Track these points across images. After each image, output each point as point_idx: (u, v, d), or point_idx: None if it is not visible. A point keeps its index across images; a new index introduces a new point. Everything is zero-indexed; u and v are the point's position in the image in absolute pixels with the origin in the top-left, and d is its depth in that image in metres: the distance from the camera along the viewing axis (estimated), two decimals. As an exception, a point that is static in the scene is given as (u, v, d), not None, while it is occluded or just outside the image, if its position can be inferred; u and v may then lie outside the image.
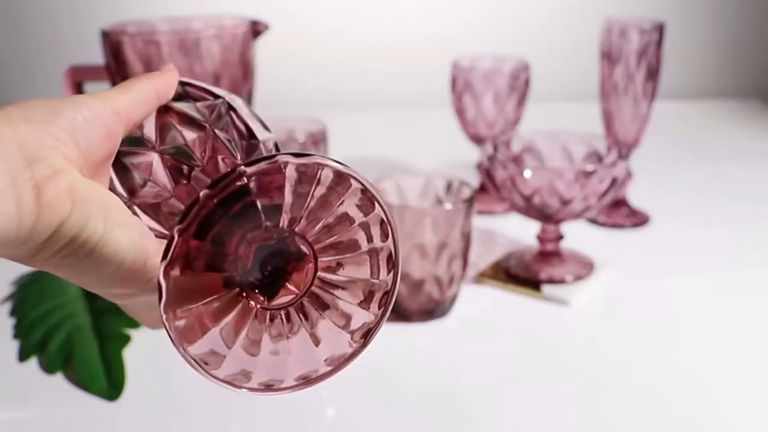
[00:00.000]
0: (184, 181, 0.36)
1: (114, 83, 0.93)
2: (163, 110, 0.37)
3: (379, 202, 0.32)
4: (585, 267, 0.81)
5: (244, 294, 0.31)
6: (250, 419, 0.60)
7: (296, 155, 0.29)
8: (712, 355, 0.67)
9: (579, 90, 1.48)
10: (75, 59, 1.08)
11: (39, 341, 0.69)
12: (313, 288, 0.32)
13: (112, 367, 0.65)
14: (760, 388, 0.62)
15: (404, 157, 1.21)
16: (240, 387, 0.31)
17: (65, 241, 0.29)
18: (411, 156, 1.21)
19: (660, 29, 0.88)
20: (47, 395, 0.63)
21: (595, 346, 0.69)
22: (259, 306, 0.31)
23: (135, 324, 0.70)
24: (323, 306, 0.32)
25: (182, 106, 0.37)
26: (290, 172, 0.30)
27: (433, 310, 0.73)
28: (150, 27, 0.98)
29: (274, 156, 0.29)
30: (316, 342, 0.32)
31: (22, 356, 0.68)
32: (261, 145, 0.38)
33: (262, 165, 0.29)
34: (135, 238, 0.31)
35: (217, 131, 0.36)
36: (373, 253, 0.32)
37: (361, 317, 0.33)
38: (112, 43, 0.91)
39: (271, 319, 0.32)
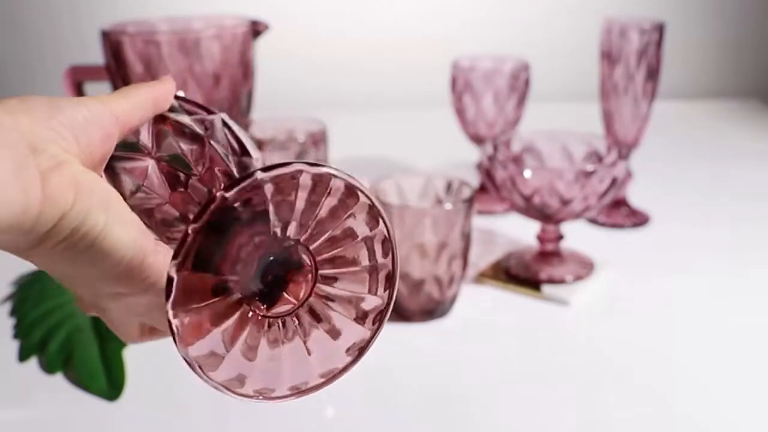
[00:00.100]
0: (181, 189, 0.36)
1: (114, 83, 0.93)
2: (159, 119, 0.37)
3: (384, 220, 0.32)
4: (585, 267, 0.81)
5: (245, 301, 0.31)
6: (249, 419, 0.60)
7: (310, 164, 0.30)
8: (712, 355, 0.67)
9: (579, 90, 1.48)
10: (75, 59, 1.08)
11: (39, 341, 0.69)
12: (310, 299, 0.32)
13: (112, 367, 0.65)
14: (760, 388, 0.62)
15: (404, 157, 1.21)
16: (234, 392, 0.31)
17: (67, 232, 0.29)
18: (411, 156, 1.21)
19: (660, 29, 0.88)
20: (47, 395, 0.63)
21: (595, 346, 0.69)
22: (258, 314, 0.31)
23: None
24: (319, 318, 0.33)
25: (178, 117, 0.37)
26: (304, 180, 0.30)
27: (433, 310, 0.73)
28: (150, 27, 0.98)
29: (290, 163, 0.29)
30: (311, 353, 0.32)
31: (22, 356, 0.68)
32: (255, 162, 0.38)
33: (279, 170, 0.29)
34: (134, 235, 0.31)
35: (213, 143, 0.37)
36: (374, 269, 0.33)
37: (355, 332, 0.33)
38: (112, 43, 0.91)
39: (269, 326, 0.32)
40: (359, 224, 0.32)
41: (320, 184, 0.30)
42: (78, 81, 0.95)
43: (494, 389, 0.63)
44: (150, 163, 0.37)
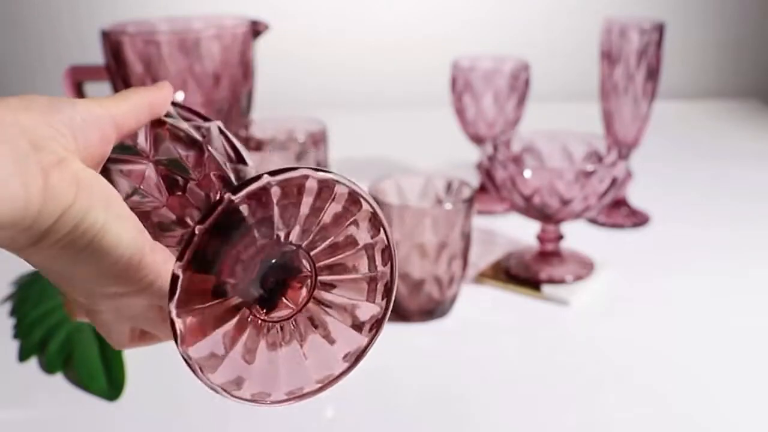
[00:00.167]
0: (179, 193, 0.37)
1: (114, 83, 0.93)
2: (156, 124, 0.37)
3: (385, 229, 0.32)
4: (585, 267, 0.81)
5: (245, 304, 0.31)
6: (249, 419, 0.60)
7: (316, 170, 0.30)
8: (712, 355, 0.67)
9: (579, 90, 1.48)
10: (75, 59, 1.08)
11: (39, 341, 0.69)
12: (309, 305, 0.33)
13: (112, 367, 0.65)
14: (760, 388, 0.62)
15: (404, 157, 1.21)
16: (232, 395, 0.31)
17: (67, 229, 0.29)
18: (411, 156, 1.21)
19: (660, 29, 0.88)
20: (47, 395, 0.63)
21: (595, 346, 0.69)
22: (257, 317, 0.32)
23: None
24: (317, 324, 0.33)
25: (175, 122, 0.37)
26: (310, 186, 0.30)
27: (433, 310, 0.73)
28: (150, 27, 0.98)
29: (298, 168, 0.30)
30: (308, 358, 0.33)
31: (22, 356, 0.68)
32: (250, 170, 0.38)
33: (287, 174, 0.29)
34: (133, 234, 0.31)
35: (210, 149, 0.37)
36: (373, 278, 0.33)
37: (352, 339, 0.33)
38: (112, 43, 0.91)
39: (268, 331, 0.32)
40: (361, 232, 0.32)
41: (325, 190, 0.31)
42: (78, 81, 0.95)
43: (494, 389, 0.63)
44: (147, 167, 0.37)
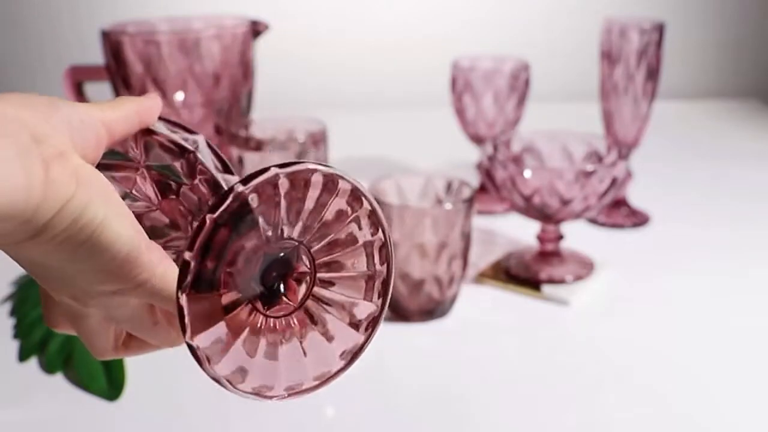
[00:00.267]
0: (172, 196, 0.37)
1: (114, 83, 0.93)
2: (145, 134, 0.37)
3: (383, 227, 0.33)
4: (585, 267, 0.81)
5: (246, 299, 0.31)
6: (249, 419, 0.60)
7: (321, 165, 0.30)
8: (712, 355, 0.67)
9: (579, 90, 1.48)
10: (75, 59, 1.08)
11: (39, 341, 0.69)
12: (308, 302, 0.33)
13: (112, 367, 0.65)
14: (760, 388, 0.62)
15: (404, 157, 1.21)
16: (235, 387, 0.31)
17: (66, 223, 0.29)
18: (411, 156, 1.22)
19: (660, 29, 0.88)
20: (47, 395, 0.63)
21: (595, 346, 0.69)
22: (259, 313, 0.32)
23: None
24: (315, 321, 0.33)
25: (164, 132, 0.38)
26: (315, 181, 0.30)
27: (433, 310, 0.73)
28: (150, 27, 0.98)
29: (304, 162, 0.30)
30: (306, 355, 0.33)
31: (22, 356, 0.68)
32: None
33: (295, 167, 0.30)
34: (131, 231, 0.31)
35: (200, 157, 0.37)
36: (371, 276, 0.33)
37: (349, 336, 0.34)
38: (112, 43, 0.91)
39: (268, 325, 0.32)
40: (360, 230, 0.32)
41: (330, 185, 0.31)
42: (78, 81, 0.95)
43: (494, 389, 0.63)
44: (138, 171, 0.37)
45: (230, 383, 0.31)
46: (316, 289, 0.33)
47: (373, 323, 0.34)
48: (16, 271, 0.82)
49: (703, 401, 0.61)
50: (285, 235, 0.31)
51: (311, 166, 0.30)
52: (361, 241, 0.33)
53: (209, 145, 0.39)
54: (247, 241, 0.30)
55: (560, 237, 0.80)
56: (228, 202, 0.29)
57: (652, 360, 0.67)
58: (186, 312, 0.29)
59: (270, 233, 0.31)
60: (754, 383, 0.63)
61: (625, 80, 0.89)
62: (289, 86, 1.53)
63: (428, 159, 1.18)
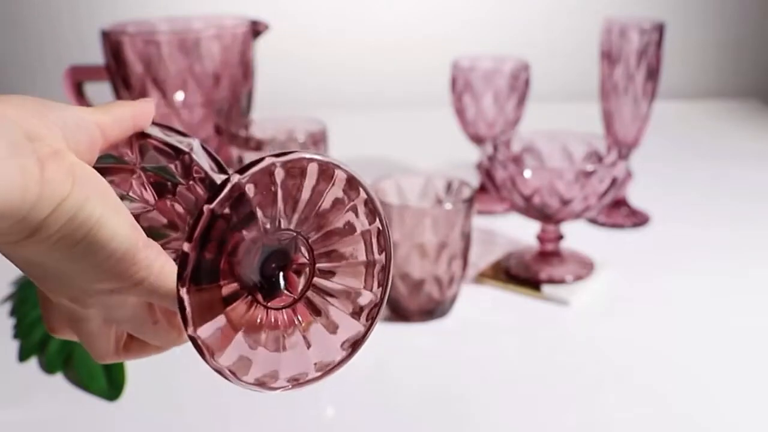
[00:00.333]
0: (169, 196, 0.37)
1: (114, 83, 0.93)
2: (140, 137, 0.37)
3: (380, 215, 0.33)
4: (585, 267, 0.81)
5: (246, 291, 0.31)
6: (249, 419, 0.60)
7: (316, 154, 0.30)
8: (712, 355, 0.67)
9: (579, 90, 1.48)
10: (75, 59, 1.08)
11: (39, 341, 0.69)
12: (308, 293, 0.33)
13: (112, 367, 0.65)
14: (760, 388, 0.62)
15: (404, 157, 1.21)
16: (239, 379, 0.31)
17: (62, 222, 0.29)
18: (411, 156, 1.22)
19: (660, 29, 0.88)
20: (47, 395, 0.63)
21: (595, 346, 0.69)
22: (260, 304, 0.32)
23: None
24: (316, 312, 0.33)
25: (159, 134, 0.38)
26: (311, 170, 0.31)
27: (433, 310, 0.73)
28: (150, 27, 0.98)
29: (298, 151, 0.30)
30: (308, 345, 0.33)
31: (22, 356, 0.68)
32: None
33: (290, 156, 0.30)
34: (128, 229, 0.31)
35: (195, 158, 0.37)
36: (370, 264, 0.33)
37: (350, 327, 0.33)
38: (112, 43, 0.91)
39: (270, 316, 0.32)
40: (358, 218, 0.32)
41: (325, 174, 0.31)
42: (78, 81, 0.95)
43: (494, 389, 0.63)
44: (134, 173, 0.37)
45: (234, 375, 0.31)
46: (316, 280, 0.33)
47: (374, 312, 0.34)
48: (16, 271, 0.82)
49: (703, 401, 0.61)
50: (282, 225, 0.31)
51: (307, 155, 0.30)
52: (359, 230, 0.33)
53: (204, 148, 0.39)
54: (245, 231, 0.30)
55: (560, 237, 0.80)
56: (225, 191, 0.29)
57: (652, 360, 0.67)
58: (187, 304, 0.29)
59: (267, 223, 0.31)
60: (754, 383, 0.63)
61: (625, 80, 0.89)
62: (289, 86, 1.53)
63: (428, 159, 1.18)
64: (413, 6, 1.57)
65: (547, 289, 0.77)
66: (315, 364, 0.33)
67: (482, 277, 0.80)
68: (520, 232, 0.91)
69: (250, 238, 0.30)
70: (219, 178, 0.37)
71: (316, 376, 0.33)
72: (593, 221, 0.95)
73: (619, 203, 0.95)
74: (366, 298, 0.33)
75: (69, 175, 0.29)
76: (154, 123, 0.38)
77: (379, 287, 0.33)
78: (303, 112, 1.05)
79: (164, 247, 0.34)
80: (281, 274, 0.32)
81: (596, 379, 0.64)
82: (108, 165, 0.37)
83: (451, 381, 0.65)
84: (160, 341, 0.37)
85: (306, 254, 0.32)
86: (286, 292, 0.32)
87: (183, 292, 0.29)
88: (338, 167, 0.31)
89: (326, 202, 0.32)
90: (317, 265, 0.33)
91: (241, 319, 0.31)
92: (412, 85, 1.58)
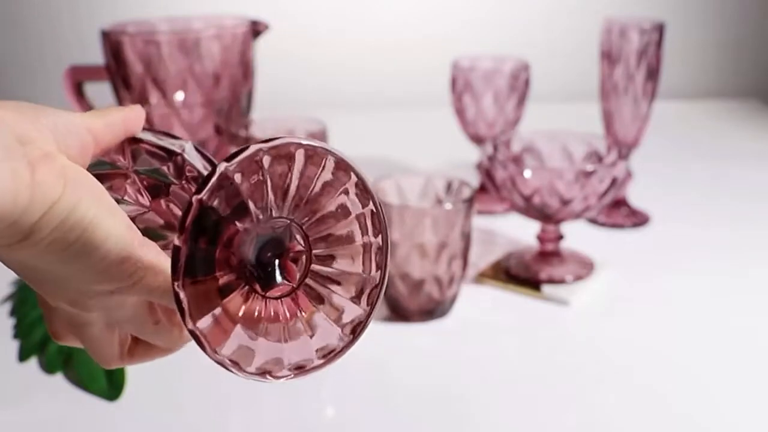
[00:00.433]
0: (164, 197, 0.37)
1: (114, 83, 0.93)
2: (132, 142, 0.37)
3: (372, 195, 0.32)
4: (585, 267, 0.81)
5: (243, 281, 0.31)
6: (249, 419, 0.60)
7: (305, 139, 0.30)
8: (712, 355, 0.67)
9: (579, 90, 1.47)
10: (75, 59, 1.08)
11: (39, 341, 0.69)
12: (307, 280, 0.33)
13: (112, 367, 0.65)
14: (760, 388, 0.62)
15: (404, 157, 1.21)
16: (242, 369, 0.31)
17: (54, 224, 0.29)
18: (411, 156, 1.22)
19: (660, 29, 0.88)
20: (47, 395, 0.63)
21: (595, 346, 0.69)
22: (258, 294, 0.32)
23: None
24: (317, 298, 0.33)
25: (151, 138, 0.38)
26: (299, 156, 0.30)
27: (433, 310, 0.73)
28: (150, 27, 0.98)
29: (285, 137, 0.30)
30: (310, 333, 0.33)
31: (22, 356, 0.68)
32: None
33: (277, 142, 0.30)
34: (122, 229, 0.31)
35: (187, 158, 0.37)
36: (367, 247, 0.33)
37: (351, 311, 0.33)
38: (112, 43, 0.91)
39: (269, 305, 0.32)
40: (351, 201, 0.32)
41: (314, 159, 0.31)
42: (78, 81, 0.95)
43: (494, 389, 0.63)
44: (128, 177, 0.37)
45: (236, 365, 0.31)
46: (314, 266, 0.33)
47: (374, 295, 0.33)
48: (16, 271, 0.82)
49: (703, 401, 0.61)
50: (275, 213, 0.31)
51: (293, 141, 0.30)
52: (353, 213, 0.32)
53: (198, 149, 0.39)
54: (236, 219, 0.30)
55: (560, 237, 0.80)
56: (213, 181, 0.29)
57: (652, 360, 0.67)
58: (183, 297, 0.29)
59: (259, 212, 0.31)
60: (754, 383, 0.63)
61: (625, 80, 0.89)
62: (289, 86, 1.53)
63: (428, 159, 1.18)
64: (413, 6, 1.57)
65: (547, 289, 0.77)
66: (317, 350, 0.33)
67: (482, 277, 0.80)
68: (520, 232, 0.91)
69: (243, 227, 0.30)
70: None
71: (319, 363, 0.33)
72: (593, 221, 0.95)
73: (619, 203, 0.95)
74: (365, 281, 0.33)
75: (60, 177, 0.29)
76: (145, 128, 0.38)
77: (377, 270, 0.33)
78: (303, 112, 1.05)
79: (163, 248, 0.34)
80: (277, 262, 0.32)
81: (596, 379, 0.64)
82: (101, 171, 0.37)
83: (451, 381, 0.65)
84: (163, 341, 0.37)
85: (301, 241, 0.32)
86: (284, 281, 0.32)
87: (177, 285, 0.29)
88: (327, 151, 0.31)
89: (317, 187, 0.31)
90: (314, 251, 0.32)
91: (240, 310, 0.31)
92: (412, 85, 1.58)
